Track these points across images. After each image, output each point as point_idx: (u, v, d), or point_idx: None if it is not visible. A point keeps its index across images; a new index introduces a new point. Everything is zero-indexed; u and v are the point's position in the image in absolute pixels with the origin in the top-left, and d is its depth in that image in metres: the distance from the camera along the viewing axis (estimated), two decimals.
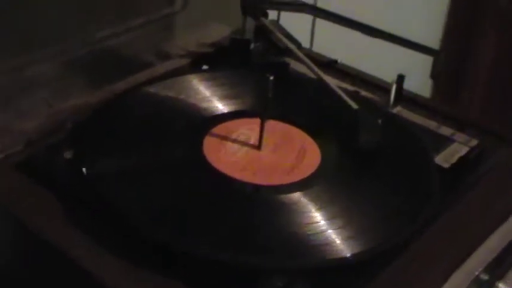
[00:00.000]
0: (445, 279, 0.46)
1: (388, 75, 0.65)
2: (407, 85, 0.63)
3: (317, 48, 0.73)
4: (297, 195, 0.49)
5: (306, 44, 0.69)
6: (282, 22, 0.68)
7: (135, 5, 0.64)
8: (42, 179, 0.50)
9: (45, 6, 0.56)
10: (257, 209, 0.49)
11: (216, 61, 0.67)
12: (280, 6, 0.69)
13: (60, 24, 0.56)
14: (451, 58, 1.19)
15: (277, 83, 0.52)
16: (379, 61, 0.84)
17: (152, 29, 0.66)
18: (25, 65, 0.55)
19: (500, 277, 0.51)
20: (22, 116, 0.55)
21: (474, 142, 0.58)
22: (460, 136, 0.59)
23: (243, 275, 0.43)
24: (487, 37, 1.21)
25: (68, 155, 0.51)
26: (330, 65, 0.68)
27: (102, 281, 0.43)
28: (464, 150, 0.57)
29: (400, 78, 0.63)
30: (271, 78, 0.52)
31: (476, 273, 0.47)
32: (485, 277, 0.48)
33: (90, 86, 0.60)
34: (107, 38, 0.61)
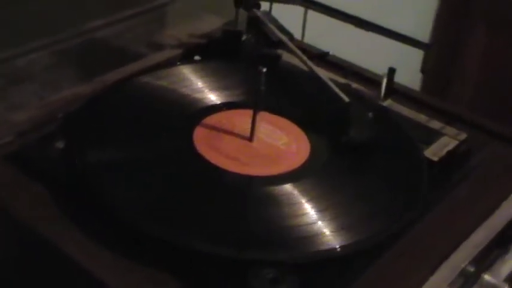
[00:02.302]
0: (432, 271, 0.46)
1: (379, 68, 0.65)
2: (398, 79, 0.64)
3: (308, 40, 0.73)
4: (287, 187, 0.49)
5: (297, 35, 0.70)
6: (274, 14, 0.68)
7: None
8: (32, 171, 0.50)
9: None
10: (247, 200, 0.49)
11: (208, 52, 0.66)
12: None
13: (51, 15, 0.56)
14: (440, 52, 1.19)
15: (269, 75, 0.53)
16: (371, 54, 0.84)
17: (144, 20, 0.66)
18: (16, 56, 0.55)
19: (486, 269, 0.51)
20: (13, 108, 0.55)
21: (463, 136, 0.58)
22: (449, 130, 0.59)
23: (233, 267, 0.43)
24: (476, 31, 1.21)
25: (59, 144, 0.51)
26: (322, 57, 0.69)
27: (94, 274, 0.43)
28: (453, 144, 0.57)
29: (391, 71, 0.63)
30: (264, 70, 0.52)
31: (463, 265, 0.48)
32: (471, 269, 0.49)
33: (81, 77, 0.60)
34: (99, 29, 0.61)
